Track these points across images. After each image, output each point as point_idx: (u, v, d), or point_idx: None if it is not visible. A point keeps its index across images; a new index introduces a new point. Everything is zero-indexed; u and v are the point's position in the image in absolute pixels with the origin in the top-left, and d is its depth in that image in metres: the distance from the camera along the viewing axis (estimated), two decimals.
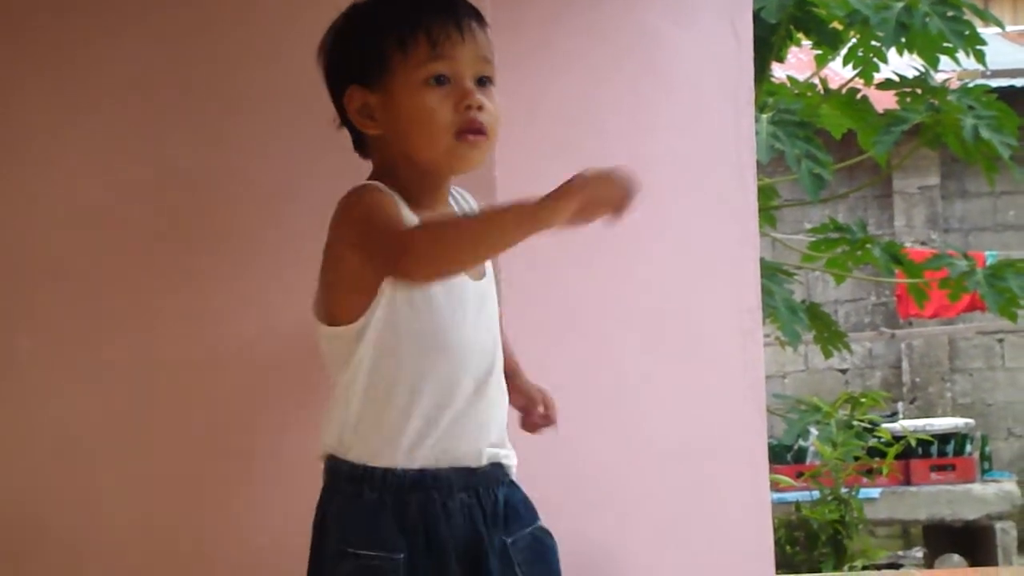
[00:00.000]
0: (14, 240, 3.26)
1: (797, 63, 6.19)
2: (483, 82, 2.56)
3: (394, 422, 2.50)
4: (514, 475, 2.63)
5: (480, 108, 2.52)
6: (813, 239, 6.42)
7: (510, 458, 2.61)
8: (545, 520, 2.68)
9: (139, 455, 3.25)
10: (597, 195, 2.34)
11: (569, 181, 2.32)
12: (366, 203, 2.48)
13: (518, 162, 2.86)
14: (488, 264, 2.63)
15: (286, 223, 2.92)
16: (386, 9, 2.60)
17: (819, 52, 5.98)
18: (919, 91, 5.92)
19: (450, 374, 2.51)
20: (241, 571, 3.21)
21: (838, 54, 5.91)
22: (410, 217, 2.49)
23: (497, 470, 2.58)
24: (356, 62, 2.61)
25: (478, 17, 2.60)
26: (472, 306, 2.55)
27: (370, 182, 2.54)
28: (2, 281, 3.27)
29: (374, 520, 2.50)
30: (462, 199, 2.71)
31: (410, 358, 2.50)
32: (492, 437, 2.57)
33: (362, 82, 2.59)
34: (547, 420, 2.82)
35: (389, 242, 2.43)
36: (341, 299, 2.53)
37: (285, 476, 3.14)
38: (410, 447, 2.50)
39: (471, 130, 2.52)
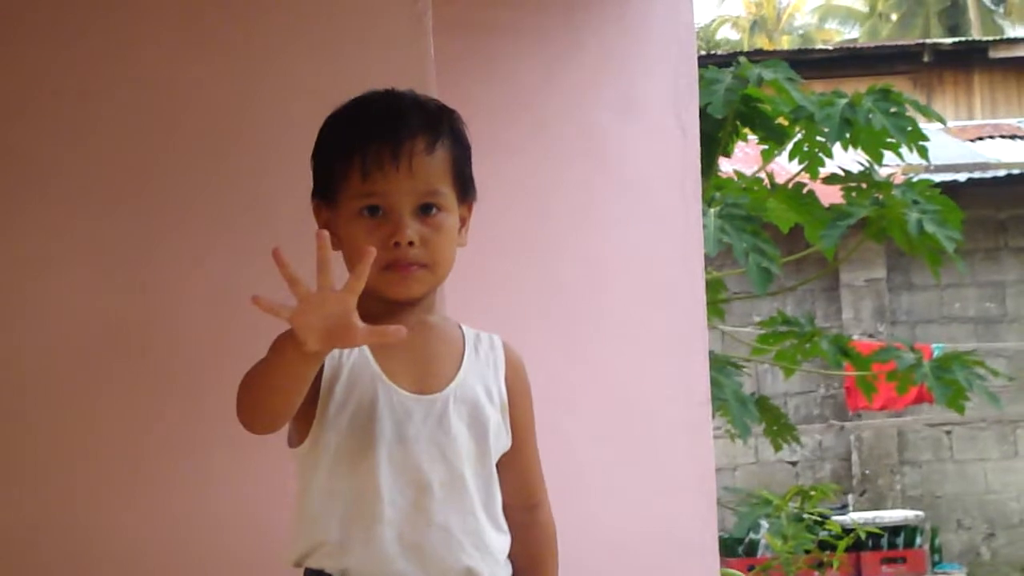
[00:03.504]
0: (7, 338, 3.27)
1: (744, 157, 6.25)
2: (427, 209, 2.50)
3: (328, 533, 2.49)
4: None
5: (411, 244, 2.47)
6: (762, 332, 6.45)
7: None
8: None
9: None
10: (311, 322, 2.24)
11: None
12: None
13: (467, 256, 2.87)
14: (468, 389, 2.56)
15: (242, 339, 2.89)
16: (337, 128, 2.58)
17: (765, 147, 6.01)
18: (864, 185, 5.96)
19: (368, 488, 2.48)
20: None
21: (784, 149, 5.95)
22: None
23: None
24: (315, 176, 2.61)
25: (433, 131, 2.53)
26: (405, 419, 2.50)
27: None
28: None
29: None
30: (488, 347, 2.65)
31: (323, 476, 2.50)
32: (451, 562, 2.48)
33: (321, 196, 2.59)
34: None
35: None
36: (290, 426, 2.53)
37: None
38: (347, 555, 2.48)
39: (398, 267, 2.47)
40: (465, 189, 2.60)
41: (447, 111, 2.62)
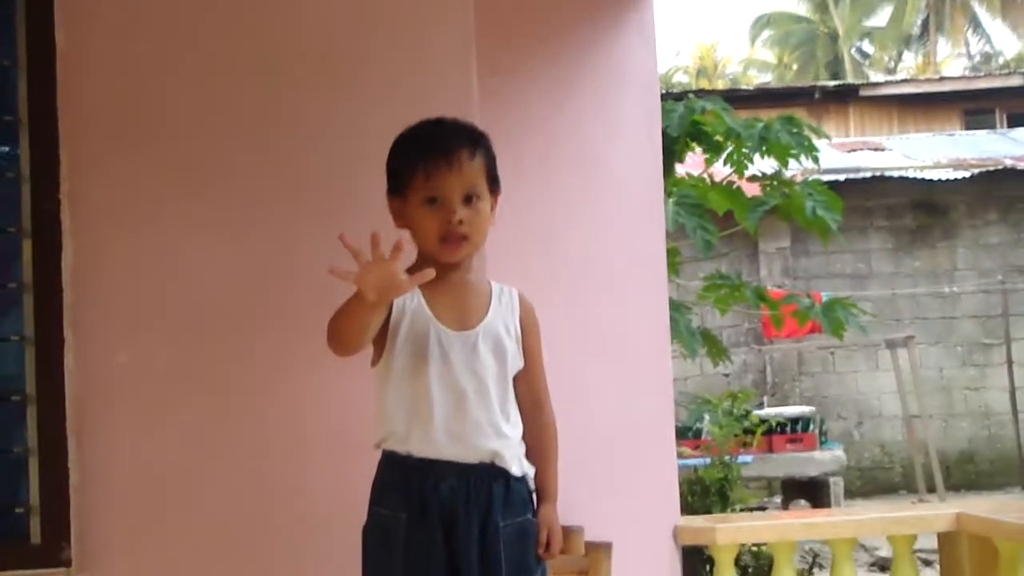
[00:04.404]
0: (158, 290, 3.23)
1: (693, 163, 6.18)
2: (469, 199, 2.54)
3: (395, 424, 2.53)
4: (519, 475, 2.57)
5: (461, 222, 2.52)
6: (705, 284, 6.41)
7: (510, 464, 2.54)
8: None
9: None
10: (370, 281, 2.32)
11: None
12: None
13: (502, 235, 2.86)
14: (494, 326, 2.59)
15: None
16: (406, 144, 2.61)
17: (707, 156, 5.98)
18: (775, 183, 5.92)
19: (423, 394, 2.51)
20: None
21: (720, 157, 5.91)
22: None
23: (490, 469, 2.52)
24: (389, 178, 2.64)
25: (473, 146, 2.57)
26: (448, 347, 2.53)
27: None
28: (138, 316, 3.23)
29: (391, 489, 2.53)
30: (508, 296, 2.67)
31: (394, 384, 2.53)
32: (481, 444, 2.51)
33: (394, 192, 2.62)
34: (546, 555, 2.63)
35: None
36: (372, 352, 2.58)
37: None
38: (410, 442, 2.51)
39: (451, 238, 2.53)
40: (493, 185, 2.64)
41: (480, 132, 2.66)
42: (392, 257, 2.33)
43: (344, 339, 2.45)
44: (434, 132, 2.60)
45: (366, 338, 2.47)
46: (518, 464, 2.57)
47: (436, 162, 2.52)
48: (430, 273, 2.38)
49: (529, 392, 2.66)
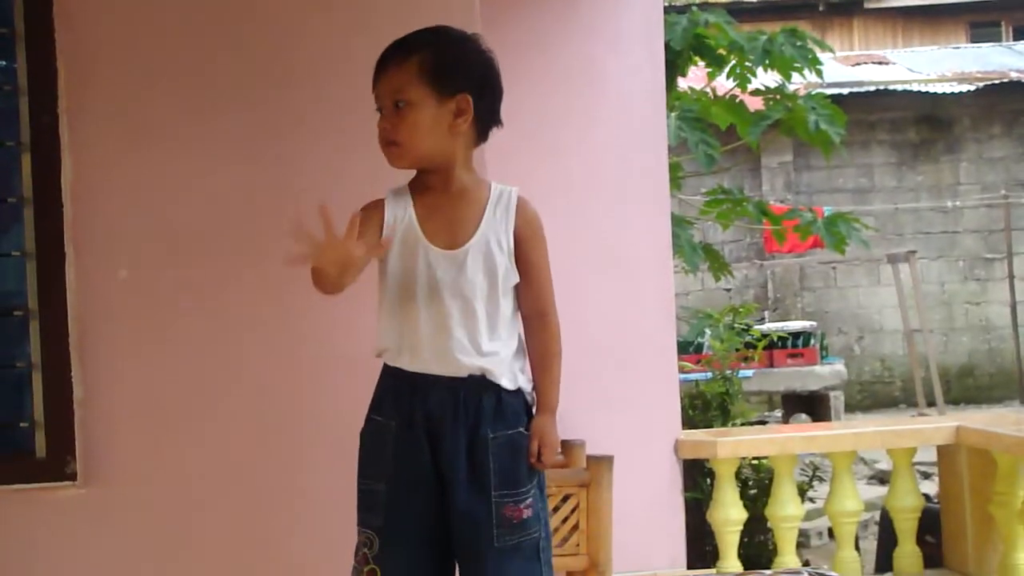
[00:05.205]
0: (158, 205, 3.22)
1: (695, 77, 6.14)
2: (398, 104, 2.51)
3: (389, 339, 2.56)
4: (512, 388, 2.55)
5: (385, 129, 2.53)
6: (707, 199, 6.39)
7: (499, 377, 2.53)
8: None
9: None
10: (325, 260, 2.36)
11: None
12: None
13: (502, 155, 2.85)
14: (484, 243, 2.54)
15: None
16: None
17: (710, 70, 5.94)
18: (778, 96, 5.89)
19: (411, 313, 2.52)
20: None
21: (723, 71, 5.88)
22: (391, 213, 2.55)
23: (480, 382, 2.52)
24: None
25: (405, 52, 2.53)
26: (435, 267, 2.52)
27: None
28: (138, 240, 3.23)
29: (386, 398, 2.56)
30: (505, 205, 2.59)
31: (387, 302, 2.56)
32: (466, 362, 2.51)
33: None
34: (538, 465, 2.60)
35: None
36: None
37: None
38: (401, 357, 2.54)
39: (381, 143, 2.53)
40: (446, 87, 2.53)
41: (436, 37, 2.59)
42: (346, 236, 2.35)
43: (324, 288, 2.47)
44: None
45: (346, 283, 2.47)
46: (510, 378, 2.56)
47: (375, 73, 2.56)
48: (381, 249, 2.46)
49: (532, 301, 2.62)
